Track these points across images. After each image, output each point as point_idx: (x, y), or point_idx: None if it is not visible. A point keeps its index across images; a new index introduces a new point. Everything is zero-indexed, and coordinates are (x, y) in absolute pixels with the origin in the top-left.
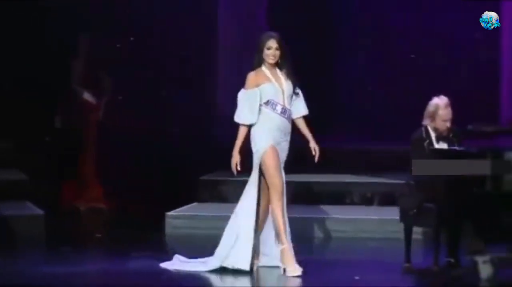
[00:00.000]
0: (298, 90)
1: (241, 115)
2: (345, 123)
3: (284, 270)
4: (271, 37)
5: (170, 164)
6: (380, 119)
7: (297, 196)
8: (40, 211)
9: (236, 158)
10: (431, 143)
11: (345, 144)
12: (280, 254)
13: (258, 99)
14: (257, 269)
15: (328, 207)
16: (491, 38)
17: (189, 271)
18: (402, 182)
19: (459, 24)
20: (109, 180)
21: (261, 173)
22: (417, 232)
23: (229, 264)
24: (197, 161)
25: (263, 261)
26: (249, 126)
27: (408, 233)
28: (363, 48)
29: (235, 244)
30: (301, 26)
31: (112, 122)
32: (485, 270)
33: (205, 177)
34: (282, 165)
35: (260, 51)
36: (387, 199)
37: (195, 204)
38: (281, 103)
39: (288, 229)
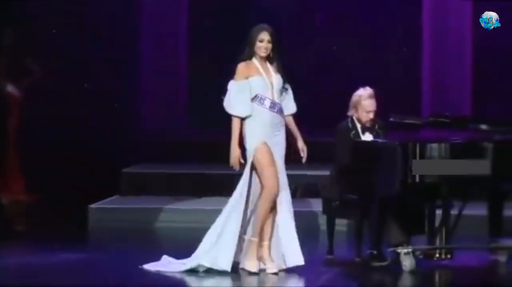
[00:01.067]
0: (288, 86)
1: (236, 107)
2: None
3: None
4: (264, 29)
5: (92, 156)
6: (305, 111)
7: (219, 188)
8: None
9: (236, 152)
10: (357, 134)
11: None
12: (247, 243)
13: (249, 91)
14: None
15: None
16: (412, 32)
17: (171, 271)
18: (326, 173)
19: (381, 18)
20: (32, 173)
21: (252, 170)
22: (341, 223)
23: (207, 263)
24: (119, 153)
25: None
26: (244, 119)
27: (331, 224)
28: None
29: (216, 242)
30: (224, 26)
31: (35, 114)
32: (407, 261)
33: (127, 170)
34: (282, 160)
35: (252, 43)
36: (310, 190)
37: (117, 196)
38: (270, 97)
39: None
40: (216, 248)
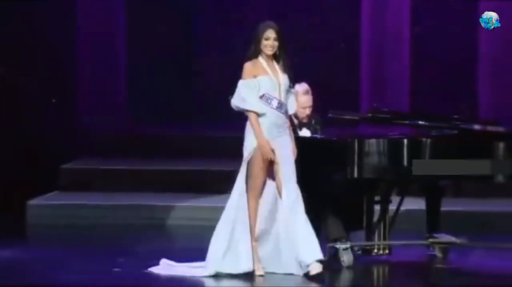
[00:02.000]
0: (292, 86)
1: (252, 103)
2: (211, 110)
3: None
4: (270, 27)
5: (31, 152)
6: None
7: (160, 183)
8: None
9: (266, 143)
10: (294, 130)
11: (203, 131)
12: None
13: (258, 89)
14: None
15: (184, 194)
16: (350, 24)
17: (183, 275)
18: None
19: (319, 14)
20: None
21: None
22: None
23: (228, 269)
24: (59, 149)
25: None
26: (258, 114)
27: None
28: (219, 38)
29: (230, 247)
30: (161, 20)
31: None
32: (345, 257)
33: (66, 166)
34: (290, 159)
35: (258, 41)
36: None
37: (56, 192)
38: (277, 97)
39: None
40: (231, 252)
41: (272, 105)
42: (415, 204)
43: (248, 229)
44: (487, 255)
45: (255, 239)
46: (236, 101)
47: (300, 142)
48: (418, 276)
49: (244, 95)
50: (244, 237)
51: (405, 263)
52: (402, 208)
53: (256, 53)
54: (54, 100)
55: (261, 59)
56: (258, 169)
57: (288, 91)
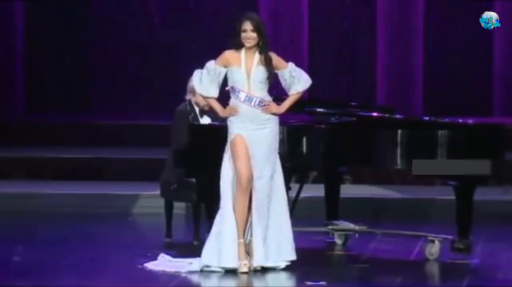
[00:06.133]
0: (285, 75)
1: (203, 87)
2: (100, 99)
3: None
4: (246, 18)
5: None
6: (136, 94)
7: (52, 171)
8: None
9: (220, 107)
10: (195, 117)
11: (102, 119)
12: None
13: (219, 76)
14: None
15: (87, 182)
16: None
17: (174, 271)
18: (164, 157)
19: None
20: None
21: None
22: (179, 207)
23: (214, 262)
24: None
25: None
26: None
27: (168, 208)
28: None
29: (216, 242)
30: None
31: None
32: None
33: None
34: (266, 155)
35: (237, 34)
36: (148, 174)
37: None
38: (245, 90)
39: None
40: (217, 247)
41: (240, 98)
42: (314, 191)
43: (233, 224)
44: (385, 242)
45: (251, 234)
46: (196, 81)
47: (200, 129)
48: (318, 263)
49: (202, 76)
50: (228, 232)
51: (305, 250)
52: (302, 195)
53: (239, 45)
54: None
55: (243, 50)
56: (237, 161)
57: (283, 80)
